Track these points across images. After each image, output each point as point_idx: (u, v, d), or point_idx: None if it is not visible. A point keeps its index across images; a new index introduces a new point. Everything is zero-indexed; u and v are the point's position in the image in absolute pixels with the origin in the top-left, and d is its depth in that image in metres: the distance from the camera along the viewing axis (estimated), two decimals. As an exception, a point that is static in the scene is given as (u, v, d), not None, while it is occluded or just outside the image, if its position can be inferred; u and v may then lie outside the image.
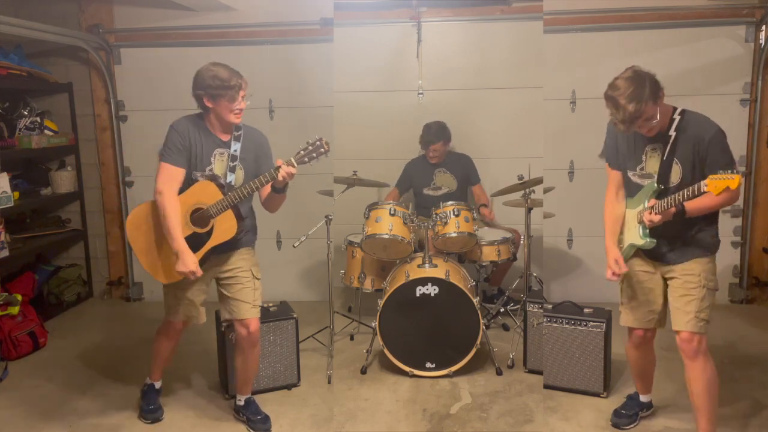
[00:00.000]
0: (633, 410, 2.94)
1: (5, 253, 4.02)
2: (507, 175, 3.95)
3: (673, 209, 2.43)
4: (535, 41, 4.37)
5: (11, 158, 4.46)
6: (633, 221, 2.61)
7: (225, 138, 2.78)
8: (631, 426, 2.91)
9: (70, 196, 4.92)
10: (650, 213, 2.47)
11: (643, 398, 2.98)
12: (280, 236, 4.90)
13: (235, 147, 2.77)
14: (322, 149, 2.62)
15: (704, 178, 2.30)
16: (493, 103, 4.63)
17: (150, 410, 3.03)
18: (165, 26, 4.69)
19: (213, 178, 2.73)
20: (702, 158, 2.42)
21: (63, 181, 4.81)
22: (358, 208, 3.78)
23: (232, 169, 2.75)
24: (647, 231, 2.54)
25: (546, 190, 4.00)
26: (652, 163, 2.54)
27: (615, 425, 2.92)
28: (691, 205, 2.43)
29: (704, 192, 2.28)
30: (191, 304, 2.86)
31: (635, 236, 2.59)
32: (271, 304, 3.46)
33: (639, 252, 2.66)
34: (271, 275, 4.78)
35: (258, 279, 2.92)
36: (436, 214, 3.67)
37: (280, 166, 2.60)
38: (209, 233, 2.70)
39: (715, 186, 2.23)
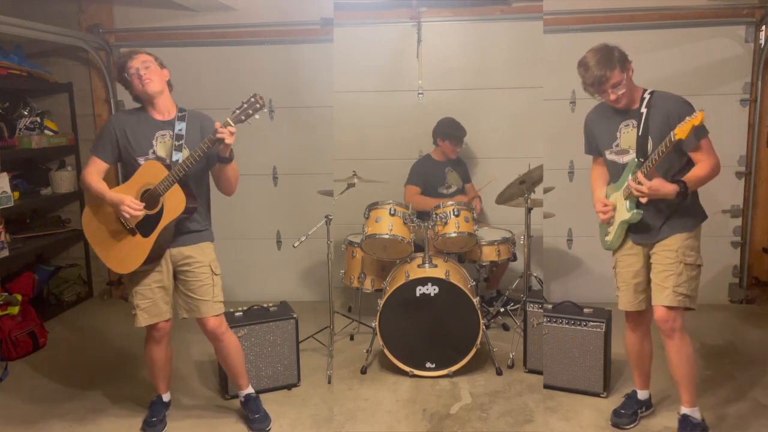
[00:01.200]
0: (632, 409, 2.95)
1: (5, 253, 4.02)
2: (507, 175, 3.94)
3: (675, 186, 2.50)
4: (535, 41, 4.37)
5: (11, 158, 4.46)
6: (620, 200, 2.68)
7: (164, 119, 2.77)
8: (632, 425, 2.91)
9: (70, 196, 4.92)
10: (636, 182, 2.52)
11: (641, 395, 2.98)
12: (280, 236, 4.90)
13: (180, 127, 2.75)
14: (257, 105, 2.57)
15: (682, 152, 2.54)
16: (493, 103, 4.63)
17: (151, 422, 2.97)
18: (165, 26, 4.69)
19: (157, 158, 2.73)
20: (673, 127, 2.49)
21: (63, 181, 4.82)
22: (358, 208, 3.78)
23: (179, 148, 2.72)
24: (633, 204, 2.61)
25: (546, 190, 4.00)
26: (626, 138, 2.65)
27: (615, 425, 2.92)
28: (689, 179, 2.53)
29: (674, 141, 2.39)
30: (151, 302, 2.81)
31: (623, 212, 2.66)
32: (271, 304, 3.46)
33: (626, 237, 2.74)
34: (271, 275, 4.84)
35: (217, 275, 2.88)
36: (436, 214, 3.67)
37: (218, 128, 2.56)
38: (160, 211, 2.68)
39: (682, 130, 2.36)
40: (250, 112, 2.58)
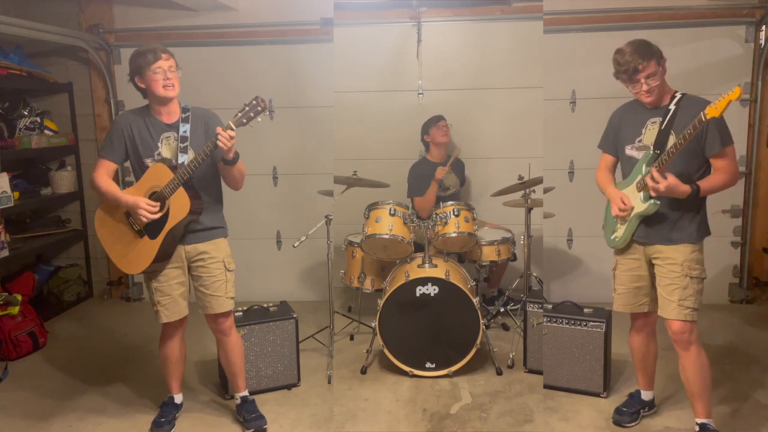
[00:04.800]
0: (634, 408, 2.95)
1: (5, 253, 4.02)
2: (507, 175, 3.95)
3: (688, 188, 2.47)
4: (535, 41, 4.37)
5: (11, 158, 4.46)
6: (633, 194, 2.65)
7: (170, 121, 2.78)
8: (633, 424, 2.91)
9: (70, 196, 4.92)
10: (652, 175, 2.47)
11: (645, 396, 2.98)
12: (280, 236, 4.90)
13: (184, 128, 2.76)
14: (259, 107, 2.58)
15: (702, 156, 2.53)
16: (493, 103, 4.63)
17: (159, 423, 2.96)
18: (165, 26, 4.69)
19: (163, 160, 2.74)
20: (700, 136, 2.49)
21: (63, 181, 4.82)
22: (358, 208, 3.78)
23: (184, 150, 2.74)
24: (648, 195, 2.57)
25: (546, 190, 4.00)
26: (650, 135, 2.62)
27: (616, 423, 2.92)
28: (704, 185, 2.50)
29: (705, 121, 2.33)
30: (171, 299, 2.83)
31: (638, 205, 2.62)
32: (271, 304, 3.46)
33: (631, 239, 2.71)
34: (271, 275, 4.84)
35: (231, 271, 2.90)
36: (436, 214, 3.67)
37: (219, 132, 2.57)
38: (166, 214, 2.70)
39: (716, 107, 2.30)
40: (252, 115, 2.58)
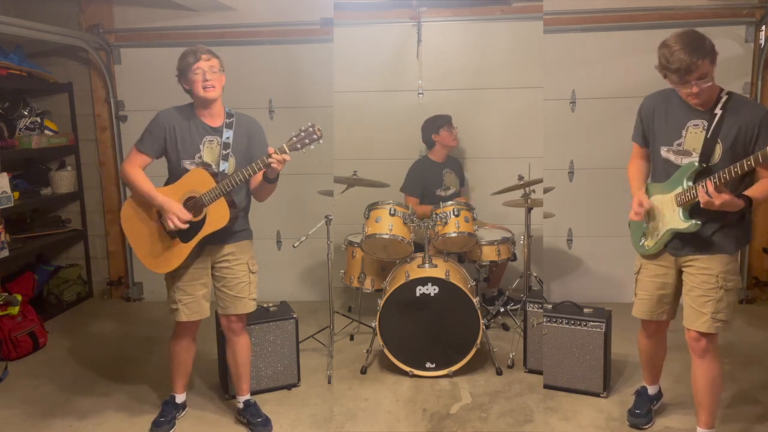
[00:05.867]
0: (646, 407, 2.92)
1: (5, 253, 4.02)
2: (507, 175, 3.95)
3: (742, 202, 2.30)
4: (535, 41, 4.37)
5: (11, 158, 4.46)
6: (670, 205, 2.47)
7: (215, 125, 2.76)
8: (649, 425, 2.88)
9: (70, 196, 4.92)
10: (704, 191, 2.27)
11: (650, 390, 2.97)
12: (280, 236, 4.90)
13: (227, 134, 2.75)
14: (315, 135, 2.58)
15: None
16: (493, 103, 4.63)
17: (158, 422, 2.95)
18: (165, 26, 4.69)
19: (204, 165, 2.72)
20: (750, 138, 2.33)
21: (63, 181, 4.82)
22: (358, 208, 3.78)
23: (225, 158, 2.73)
24: (687, 213, 2.42)
25: (546, 190, 4.00)
26: (691, 140, 2.41)
27: (634, 426, 2.88)
28: (757, 195, 2.33)
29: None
30: (193, 299, 2.83)
31: (676, 220, 2.45)
32: (271, 304, 3.46)
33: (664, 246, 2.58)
34: (271, 275, 4.80)
35: (254, 273, 2.90)
36: (436, 214, 3.67)
37: (272, 154, 2.57)
38: (202, 221, 2.69)
39: None
40: (306, 141, 2.58)
